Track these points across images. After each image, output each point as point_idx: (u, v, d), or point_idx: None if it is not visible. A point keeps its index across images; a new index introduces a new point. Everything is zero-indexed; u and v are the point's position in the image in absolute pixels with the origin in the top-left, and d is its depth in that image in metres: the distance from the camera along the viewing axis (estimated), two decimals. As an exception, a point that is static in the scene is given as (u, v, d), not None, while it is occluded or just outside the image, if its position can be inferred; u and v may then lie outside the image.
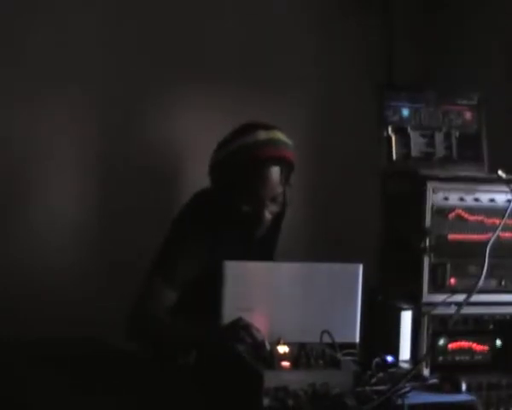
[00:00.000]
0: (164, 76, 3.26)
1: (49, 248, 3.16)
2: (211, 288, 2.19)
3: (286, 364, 1.95)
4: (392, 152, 2.44)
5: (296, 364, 1.96)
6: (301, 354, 1.99)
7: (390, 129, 2.45)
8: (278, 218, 2.50)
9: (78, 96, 3.17)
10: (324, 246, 3.26)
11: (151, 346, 2.33)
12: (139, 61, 3.23)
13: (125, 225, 3.21)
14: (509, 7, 3.12)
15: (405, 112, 2.49)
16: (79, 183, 3.22)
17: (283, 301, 2.21)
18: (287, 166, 2.40)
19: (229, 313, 2.17)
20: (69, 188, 3.20)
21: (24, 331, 2.80)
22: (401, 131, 2.47)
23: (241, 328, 2.13)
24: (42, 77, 3.11)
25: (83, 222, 3.21)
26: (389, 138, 2.44)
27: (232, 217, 2.40)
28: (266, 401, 1.87)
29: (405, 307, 2.28)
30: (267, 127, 2.40)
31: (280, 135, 2.41)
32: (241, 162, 2.35)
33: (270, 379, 1.88)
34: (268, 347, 2.03)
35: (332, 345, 2.07)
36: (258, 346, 2.05)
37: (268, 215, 2.40)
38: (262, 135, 2.37)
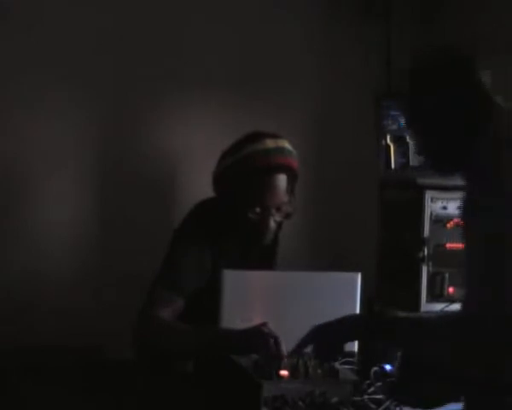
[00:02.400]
0: (163, 81, 3.26)
1: (48, 249, 3.16)
2: (213, 297, 2.17)
3: (284, 373, 1.95)
4: (390, 161, 2.44)
5: (294, 373, 1.96)
6: (299, 364, 1.98)
7: (388, 138, 2.45)
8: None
9: (77, 97, 3.17)
10: (323, 253, 3.26)
11: (162, 351, 2.26)
12: (139, 68, 3.23)
13: (123, 226, 3.22)
14: (506, 15, 3.13)
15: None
16: (78, 185, 3.22)
17: (282, 309, 2.21)
18: (293, 176, 2.38)
19: (227, 322, 2.16)
20: (68, 189, 3.21)
21: (22, 335, 2.80)
22: (400, 141, 2.47)
23: (269, 337, 2.08)
24: (41, 78, 3.12)
25: (81, 223, 3.22)
26: (388, 147, 2.45)
27: (236, 225, 2.38)
28: (265, 411, 1.88)
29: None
30: (274, 136, 2.37)
31: (286, 144, 2.38)
32: (249, 170, 2.32)
33: (269, 389, 1.88)
34: (285, 361, 2.00)
35: (330, 354, 2.07)
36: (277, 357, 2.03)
37: (273, 224, 2.36)
38: (270, 143, 2.34)
